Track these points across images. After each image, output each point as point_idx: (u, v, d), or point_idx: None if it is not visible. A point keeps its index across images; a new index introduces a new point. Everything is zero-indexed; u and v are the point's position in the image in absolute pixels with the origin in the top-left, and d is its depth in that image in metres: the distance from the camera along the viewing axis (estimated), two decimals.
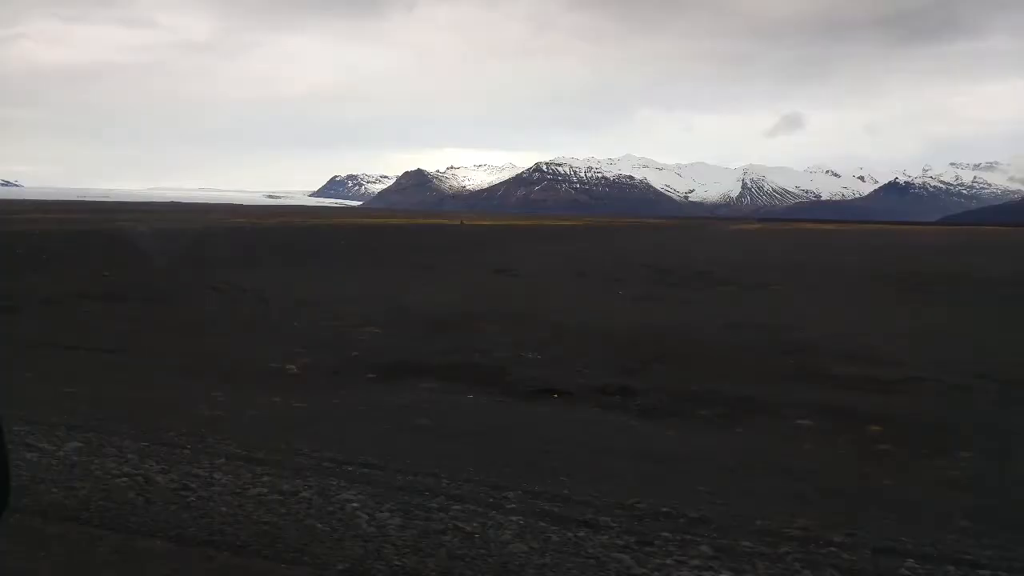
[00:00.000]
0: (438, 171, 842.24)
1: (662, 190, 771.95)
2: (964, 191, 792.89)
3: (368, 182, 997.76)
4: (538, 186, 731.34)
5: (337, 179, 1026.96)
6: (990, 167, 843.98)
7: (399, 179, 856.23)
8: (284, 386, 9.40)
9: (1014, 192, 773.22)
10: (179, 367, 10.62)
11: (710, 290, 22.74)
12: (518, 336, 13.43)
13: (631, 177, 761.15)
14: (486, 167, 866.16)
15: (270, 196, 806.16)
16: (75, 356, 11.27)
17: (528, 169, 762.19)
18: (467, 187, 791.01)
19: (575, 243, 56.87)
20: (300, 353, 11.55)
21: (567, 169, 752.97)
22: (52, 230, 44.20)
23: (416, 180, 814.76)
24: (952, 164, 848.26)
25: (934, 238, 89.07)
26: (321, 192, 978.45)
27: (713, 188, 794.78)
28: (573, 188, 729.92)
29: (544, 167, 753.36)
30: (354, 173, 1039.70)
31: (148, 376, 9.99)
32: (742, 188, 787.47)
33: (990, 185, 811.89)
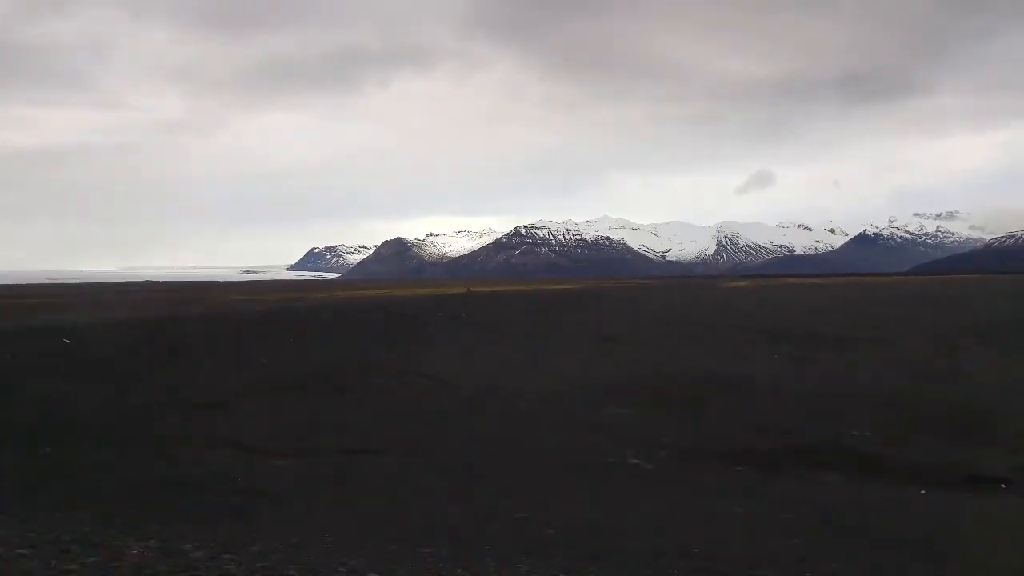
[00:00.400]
0: (418, 239, 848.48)
1: (639, 250, 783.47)
2: (929, 240, 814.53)
3: (347, 253, 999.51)
4: (518, 250, 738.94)
5: (315, 251, 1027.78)
6: (951, 216, 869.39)
7: (378, 248, 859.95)
8: (674, 483, 8.74)
9: (976, 240, 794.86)
10: (505, 467, 9.76)
11: (855, 350, 23.76)
12: (776, 409, 14.87)
13: (609, 239, 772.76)
14: (466, 233, 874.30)
15: (247, 271, 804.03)
16: (334, 460, 9.80)
17: (507, 234, 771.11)
18: (448, 254, 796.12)
19: (612, 306, 57.54)
20: (602, 442, 11.59)
21: (546, 233, 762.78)
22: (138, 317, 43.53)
23: (396, 249, 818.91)
24: (916, 215, 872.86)
25: (940, 288, 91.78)
26: (299, 265, 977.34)
27: (689, 246, 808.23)
28: (553, 251, 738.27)
29: (523, 231, 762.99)
30: (332, 244, 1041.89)
31: (487, 482, 8.59)
32: (717, 245, 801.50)
33: (953, 234, 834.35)
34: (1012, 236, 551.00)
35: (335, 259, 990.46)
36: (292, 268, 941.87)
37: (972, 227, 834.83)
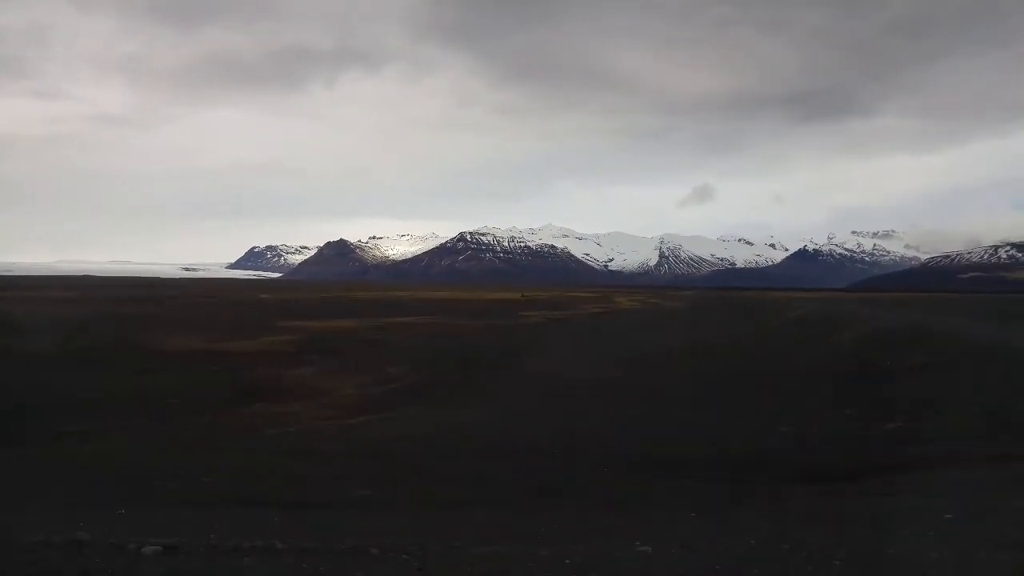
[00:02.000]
0: (360, 241, 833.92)
1: (583, 259, 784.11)
2: (866, 258, 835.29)
3: (288, 253, 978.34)
4: (462, 256, 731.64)
5: (256, 250, 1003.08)
6: (887, 235, 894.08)
7: (320, 249, 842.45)
8: None
9: (911, 258, 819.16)
10: None
11: None
12: None
13: (553, 247, 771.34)
14: (409, 237, 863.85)
15: (187, 268, 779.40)
16: None
17: (452, 239, 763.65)
18: (391, 257, 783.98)
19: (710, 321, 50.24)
20: None
21: (491, 239, 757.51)
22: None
23: (338, 250, 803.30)
24: (854, 232, 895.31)
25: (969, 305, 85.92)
26: (239, 264, 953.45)
27: (632, 257, 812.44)
28: (497, 258, 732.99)
29: (468, 237, 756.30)
30: (273, 244, 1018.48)
31: None
32: (660, 257, 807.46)
33: (889, 252, 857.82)
34: (947, 256, 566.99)
35: (276, 259, 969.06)
36: (231, 267, 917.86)
37: (907, 246, 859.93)
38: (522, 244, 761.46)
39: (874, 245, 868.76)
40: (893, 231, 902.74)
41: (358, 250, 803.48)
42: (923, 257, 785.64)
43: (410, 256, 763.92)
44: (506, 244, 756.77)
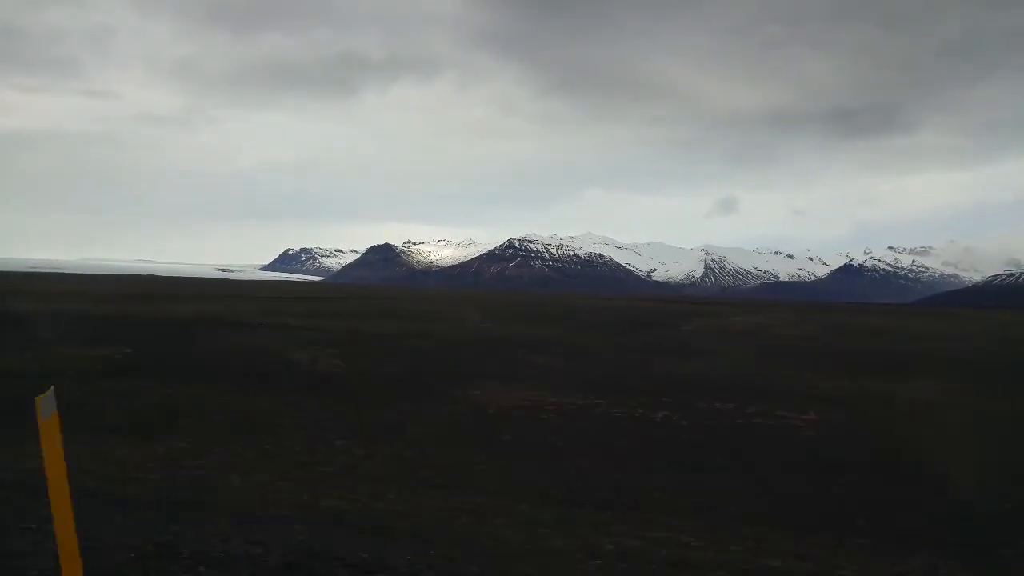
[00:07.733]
0: (404, 245, 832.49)
1: (627, 268, 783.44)
2: (908, 274, 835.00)
3: (322, 256, 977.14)
4: (511, 263, 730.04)
5: (290, 253, 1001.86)
6: (925, 251, 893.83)
7: (365, 253, 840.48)
8: None
9: (950, 276, 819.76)
10: None
11: None
12: None
13: (601, 255, 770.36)
14: (446, 242, 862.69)
15: (222, 269, 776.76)
16: None
17: (501, 245, 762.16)
18: (435, 262, 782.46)
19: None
20: None
21: (539, 247, 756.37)
22: None
23: (383, 255, 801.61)
24: (891, 248, 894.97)
25: None
26: (272, 266, 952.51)
27: (675, 268, 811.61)
28: (547, 265, 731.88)
29: (517, 244, 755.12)
30: (307, 247, 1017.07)
31: None
32: (705, 268, 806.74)
33: (927, 268, 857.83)
34: (1011, 274, 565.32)
35: (310, 261, 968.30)
36: (265, 268, 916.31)
37: (945, 263, 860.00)
38: (570, 253, 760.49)
39: (912, 261, 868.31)
40: (930, 247, 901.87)
41: (403, 255, 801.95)
42: (967, 276, 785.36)
43: (458, 262, 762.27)
44: (554, 252, 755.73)
